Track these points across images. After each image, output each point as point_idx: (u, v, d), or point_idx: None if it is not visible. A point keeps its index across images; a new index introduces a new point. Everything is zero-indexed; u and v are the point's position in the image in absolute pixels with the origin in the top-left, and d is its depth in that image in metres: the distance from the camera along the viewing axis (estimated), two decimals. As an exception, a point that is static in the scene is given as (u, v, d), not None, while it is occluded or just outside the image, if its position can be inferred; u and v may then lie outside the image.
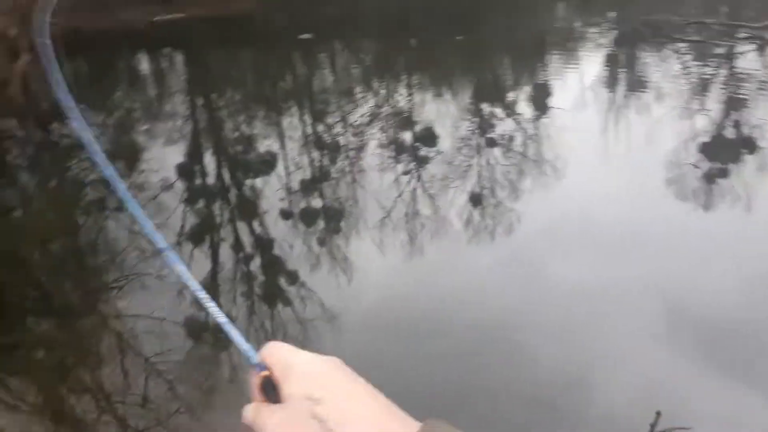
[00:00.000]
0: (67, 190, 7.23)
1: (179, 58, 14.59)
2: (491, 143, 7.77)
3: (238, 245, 5.66)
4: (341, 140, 8.24)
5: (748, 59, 10.76)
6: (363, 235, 5.62)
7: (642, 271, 4.68)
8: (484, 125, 8.47)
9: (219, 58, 13.83)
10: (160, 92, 11.84)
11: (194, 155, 8.02)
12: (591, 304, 4.33)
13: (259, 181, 7.09)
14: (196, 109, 10.15)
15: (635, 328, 4.05)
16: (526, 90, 10.38)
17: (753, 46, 11.25)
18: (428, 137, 7.99)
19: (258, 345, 0.60)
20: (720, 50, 11.31)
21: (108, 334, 4.33)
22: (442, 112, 9.02)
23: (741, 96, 8.97)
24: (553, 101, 9.35)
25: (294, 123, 9.20)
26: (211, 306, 0.63)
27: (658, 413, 3.21)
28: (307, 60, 13.33)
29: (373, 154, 7.53)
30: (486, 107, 9.44)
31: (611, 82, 10.44)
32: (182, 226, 5.88)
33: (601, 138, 7.61)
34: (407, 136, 8.23)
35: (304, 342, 4.12)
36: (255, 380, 0.58)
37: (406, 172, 6.94)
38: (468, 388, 3.58)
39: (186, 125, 9.21)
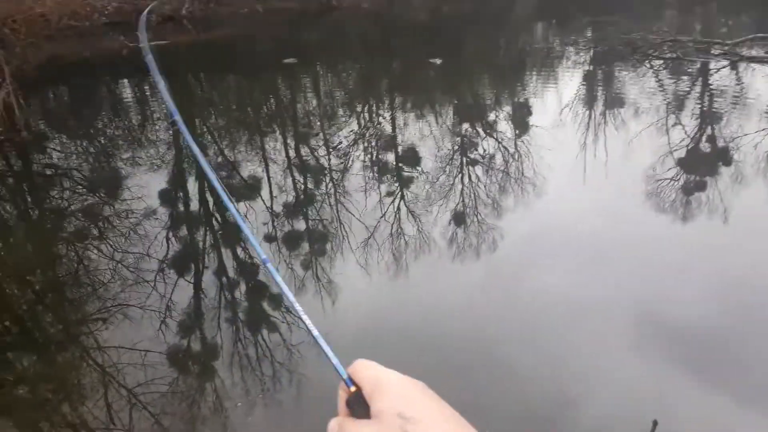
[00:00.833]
0: (47, 221, 7.17)
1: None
2: (472, 162, 7.86)
3: (221, 270, 5.64)
4: (324, 162, 8.29)
5: (722, 75, 11.05)
6: (347, 256, 5.64)
7: (621, 283, 4.79)
8: (466, 145, 8.57)
9: (208, 83, 13.87)
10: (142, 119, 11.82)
11: (177, 181, 8.01)
12: (573, 316, 4.39)
13: (242, 206, 7.09)
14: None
15: (616, 339, 4.12)
16: (507, 109, 10.54)
17: (726, 62, 11.54)
18: (411, 158, 8.06)
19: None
20: (695, 67, 11.59)
21: (90, 367, 4.27)
22: (425, 133, 9.12)
23: (715, 111, 9.17)
24: (533, 120, 9.51)
25: (277, 146, 9.24)
26: (306, 319, 0.66)
27: (655, 422, 3.23)
28: (292, 84, 13.43)
29: (357, 174, 7.58)
30: (467, 127, 9.55)
31: (589, 100, 10.63)
32: (165, 253, 5.85)
33: (580, 154, 7.73)
34: (390, 157, 8.30)
35: (291, 366, 4.11)
36: (343, 395, 0.59)
37: (389, 193, 7.00)
38: (455, 405, 3.57)
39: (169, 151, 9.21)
